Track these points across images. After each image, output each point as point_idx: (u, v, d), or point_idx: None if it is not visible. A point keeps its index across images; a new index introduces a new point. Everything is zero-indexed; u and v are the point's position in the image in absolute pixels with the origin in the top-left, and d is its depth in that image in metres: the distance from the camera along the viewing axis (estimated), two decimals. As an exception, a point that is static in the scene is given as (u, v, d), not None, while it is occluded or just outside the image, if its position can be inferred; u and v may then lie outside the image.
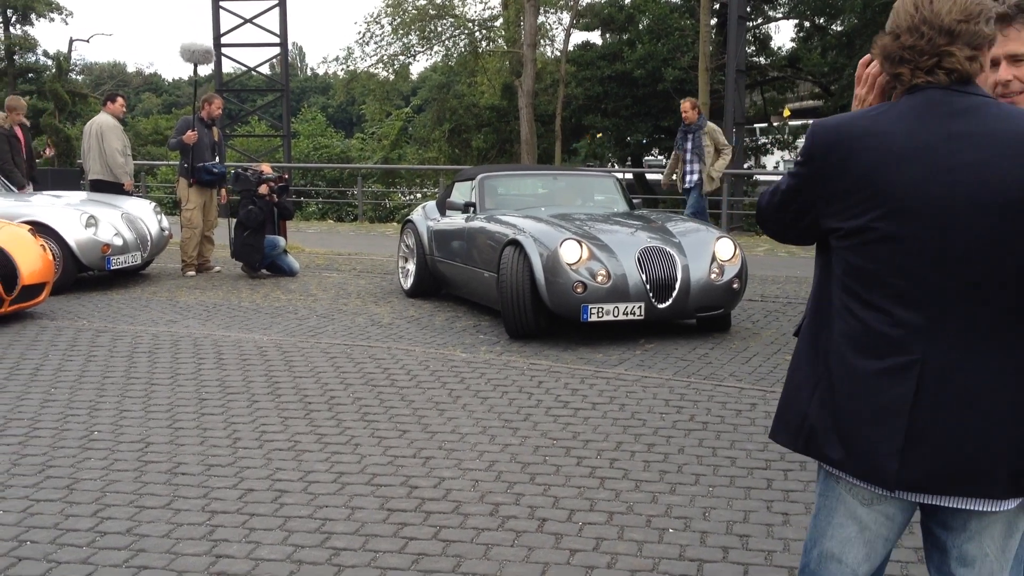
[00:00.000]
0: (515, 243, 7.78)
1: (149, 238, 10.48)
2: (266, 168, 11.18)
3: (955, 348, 1.98)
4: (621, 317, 7.45)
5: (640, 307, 7.47)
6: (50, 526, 4.06)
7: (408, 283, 10.04)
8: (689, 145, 12.24)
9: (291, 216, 11.55)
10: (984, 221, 1.93)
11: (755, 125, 33.46)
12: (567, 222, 8.23)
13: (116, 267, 10.02)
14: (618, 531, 4.01)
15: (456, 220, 9.29)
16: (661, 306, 7.53)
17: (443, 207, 9.75)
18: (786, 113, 36.43)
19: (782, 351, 7.32)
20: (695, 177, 12.12)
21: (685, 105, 12.24)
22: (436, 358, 6.96)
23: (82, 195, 11.32)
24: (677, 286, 7.55)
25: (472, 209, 9.19)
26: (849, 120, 2.07)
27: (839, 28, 29.22)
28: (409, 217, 10.36)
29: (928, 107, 2.00)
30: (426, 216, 10.02)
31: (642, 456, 4.93)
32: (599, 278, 7.41)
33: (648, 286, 7.50)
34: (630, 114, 30.31)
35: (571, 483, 4.55)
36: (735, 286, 7.77)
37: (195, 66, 11.70)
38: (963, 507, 2.05)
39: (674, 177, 12.45)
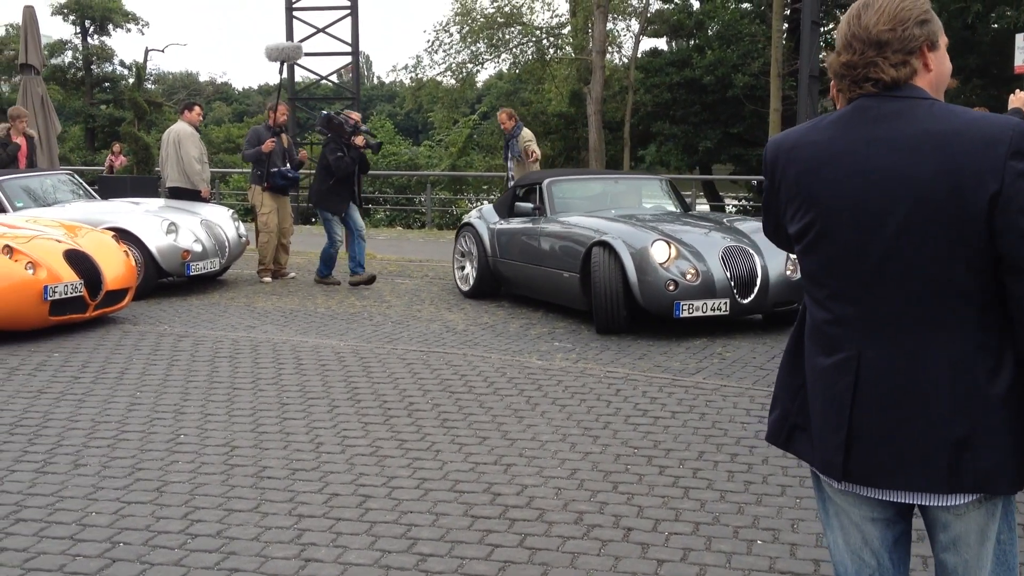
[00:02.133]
0: (604, 244, 8.11)
1: (227, 244, 10.66)
2: (355, 116, 11.17)
3: (889, 342, 2.04)
4: (709, 313, 7.89)
5: (726, 303, 7.91)
6: (142, 528, 4.14)
7: (467, 286, 10.30)
8: (508, 153, 13.15)
9: (367, 170, 11.60)
10: (895, 219, 1.99)
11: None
12: (645, 223, 8.61)
13: (195, 273, 10.20)
14: (705, 542, 3.97)
15: (522, 223, 9.60)
16: (744, 302, 7.97)
17: (504, 210, 10.11)
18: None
19: (863, 361, 7.20)
20: (511, 174, 12.76)
21: (501, 116, 13.08)
22: (512, 365, 6.97)
23: (161, 202, 11.56)
24: (758, 282, 8.01)
25: (538, 212, 9.51)
26: (787, 133, 2.22)
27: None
28: (467, 220, 10.60)
29: (855, 114, 2.09)
30: (485, 219, 10.31)
31: (725, 466, 4.88)
32: (688, 276, 7.83)
33: (732, 283, 7.94)
34: (699, 120, 30.14)
35: (655, 492, 4.52)
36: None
37: (282, 64, 11.81)
38: (906, 501, 2.10)
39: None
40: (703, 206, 26.33)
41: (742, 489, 4.56)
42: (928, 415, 2.01)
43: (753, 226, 8.67)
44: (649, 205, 10.14)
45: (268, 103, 11.62)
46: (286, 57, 11.64)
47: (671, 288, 7.77)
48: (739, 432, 5.41)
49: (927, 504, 2.08)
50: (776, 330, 8.34)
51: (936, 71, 2.11)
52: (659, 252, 7.88)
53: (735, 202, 32.97)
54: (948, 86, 2.21)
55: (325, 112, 11.05)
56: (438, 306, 9.72)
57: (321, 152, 10.87)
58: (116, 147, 21.62)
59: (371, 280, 10.88)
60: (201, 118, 11.94)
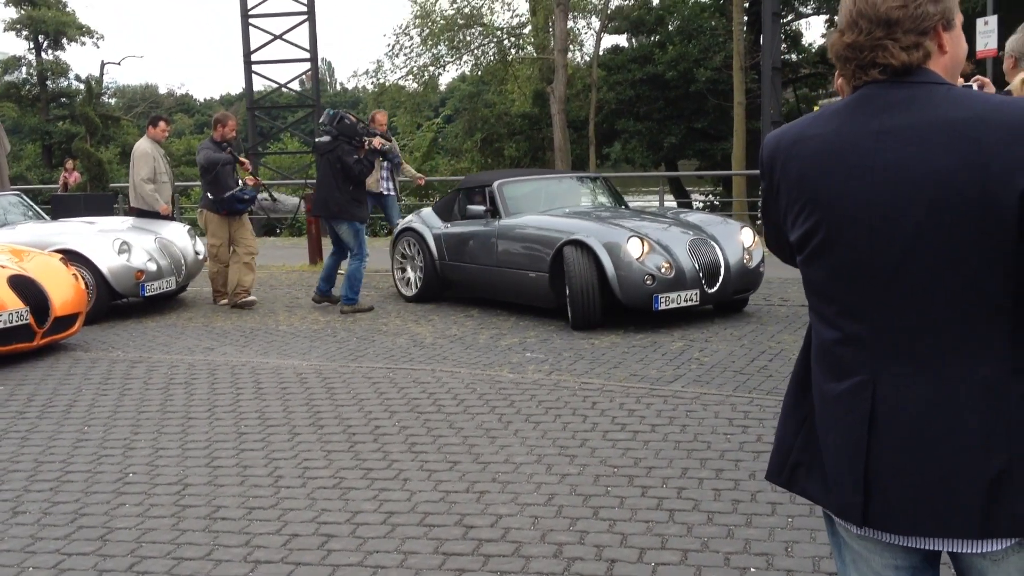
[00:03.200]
0: (576, 243, 8.29)
1: (184, 262, 10.26)
2: (381, 118, 10.76)
3: (909, 364, 1.77)
4: (683, 304, 8.24)
5: (696, 294, 8.28)
6: (83, 583, 3.79)
7: (411, 290, 10.37)
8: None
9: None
10: (910, 221, 1.73)
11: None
12: (609, 221, 8.86)
13: (151, 293, 9.81)
14: (695, 572, 3.68)
15: (473, 226, 9.66)
16: (711, 291, 8.34)
17: (447, 213, 10.23)
18: (816, 110, 35.91)
19: (846, 360, 6.94)
20: (389, 184, 12.37)
21: (380, 117, 12.52)
22: (483, 380, 6.66)
23: (115, 220, 11.15)
24: (722, 272, 8.37)
25: (490, 214, 9.55)
26: (787, 127, 1.95)
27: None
28: (406, 225, 10.54)
29: (861, 104, 1.83)
30: (426, 223, 10.33)
31: (711, 484, 4.59)
32: (663, 269, 8.12)
33: (700, 274, 8.27)
34: (663, 116, 30.00)
35: (638, 517, 4.22)
36: (761, 269, 8.78)
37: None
38: (935, 548, 1.81)
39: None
40: (670, 203, 26.15)
41: (730, 509, 4.28)
42: (956, 449, 1.73)
43: (700, 218, 9.37)
44: (588, 202, 10.34)
45: (215, 115, 10.89)
46: None
47: (649, 282, 8.06)
48: (723, 444, 5.13)
49: (958, 551, 1.79)
50: (753, 332, 8.09)
51: (951, 53, 1.83)
52: (634, 248, 8.14)
53: (701, 198, 32.86)
54: (963, 70, 1.93)
55: (335, 110, 9.87)
56: (404, 318, 9.39)
57: (328, 156, 9.56)
58: (69, 164, 21.05)
59: (369, 309, 9.87)
60: (166, 134, 11.28)
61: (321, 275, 10.25)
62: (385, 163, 11.41)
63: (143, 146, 10.80)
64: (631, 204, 11.01)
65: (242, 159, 10.69)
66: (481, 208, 9.63)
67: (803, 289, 1.99)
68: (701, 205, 30.83)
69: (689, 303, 8.24)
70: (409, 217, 10.90)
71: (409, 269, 10.43)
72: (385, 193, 12.29)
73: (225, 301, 10.44)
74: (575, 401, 6.04)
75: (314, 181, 10.60)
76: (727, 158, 25.43)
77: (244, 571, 3.85)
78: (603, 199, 10.38)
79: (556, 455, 5.08)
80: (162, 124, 11.04)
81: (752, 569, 3.69)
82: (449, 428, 5.60)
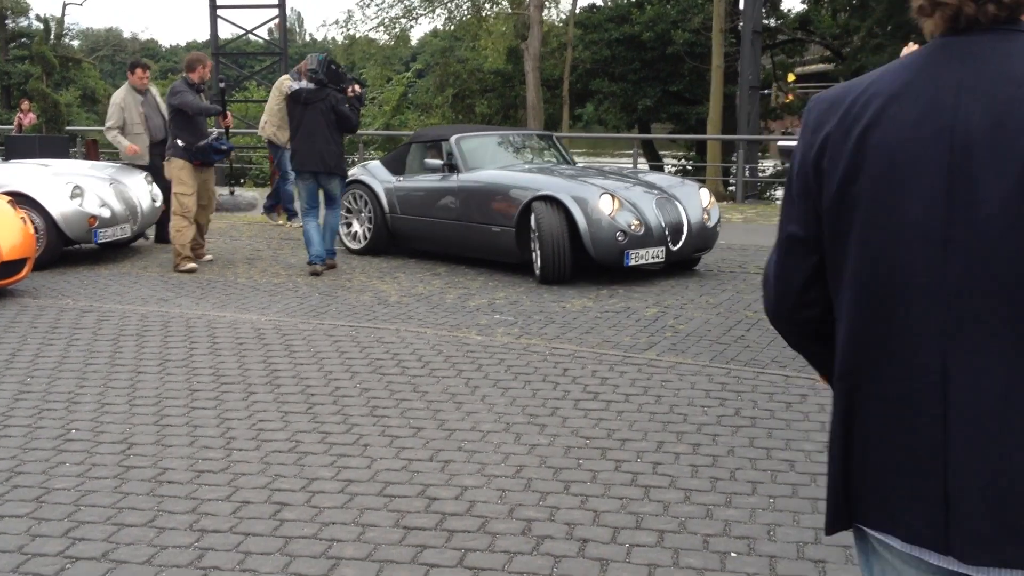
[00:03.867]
0: (547, 198, 8.38)
1: (140, 210, 9.85)
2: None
3: (990, 359, 1.44)
4: (651, 260, 8.43)
5: (662, 251, 8.47)
6: (13, 549, 3.51)
7: (357, 243, 10.24)
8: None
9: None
10: (997, 195, 1.42)
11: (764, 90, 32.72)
12: (576, 178, 8.97)
13: (104, 240, 9.41)
14: (672, 555, 3.45)
15: (430, 180, 9.56)
16: (675, 249, 8.53)
17: (399, 167, 10.08)
18: (791, 78, 35.61)
19: (824, 332, 6.73)
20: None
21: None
22: (449, 341, 6.38)
23: (69, 164, 10.72)
24: (685, 230, 8.58)
25: (449, 168, 9.44)
26: (847, 85, 1.60)
27: (852, -11, 28.35)
28: (353, 177, 10.26)
29: (943, 54, 1.51)
30: (376, 176, 10.19)
31: (688, 459, 4.36)
32: (633, 226, 8.28)
33: (666, 231, 8.46)
34: (638, 78, 29.61)
35: (611, 493, 3.99)
36: (718, 228, 9.09)
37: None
38: None
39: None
40: (643, 166, 25.88)
41: (708, 487, 4.05)
42: None
43: (659, 178, 9.73)
44: (543, 159, 10.24)
45: (190, 55, 9.86)
46: None
47: (620, 238, 8.22)
48: (700, 418, 4.90)
49: None
50: (729, 300, 7.87)
51: None
52: (605, 204, 8.28)
53: (674, 161, 32.60)
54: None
55: (322, 55, 9.15)
56: (369, 275, 9.07)
57: (319, 105, 8.80)
58: (25, 104, 20.36)
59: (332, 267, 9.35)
60: (145, 81, 10.42)
61: (317, 241, 9.06)
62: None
63: (118, 94, 10.27)
64: (603, 167, 11.21)
65: (228, 113, 10.28)
66: (439, 162, 9.52)
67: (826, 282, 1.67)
68: (674, 170, 30.58)
69: (656, 260, 8.47)
70: (354, 170, 10.65)
71: (355, 223, 10.27)
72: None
73: (192, 265, 9.25)
74: (545, 367, 5.79)
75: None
76: (702, 122, 25.17)
77: (189, 540, 3.57)
78: (557, 157, 10.35)
79: (525, 423, 4.83)
80: (139, 71, 10.21)
81: (733, 554, 3.46)
82: (413, 392, 5.34)
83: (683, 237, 8.56)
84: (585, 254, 8.30)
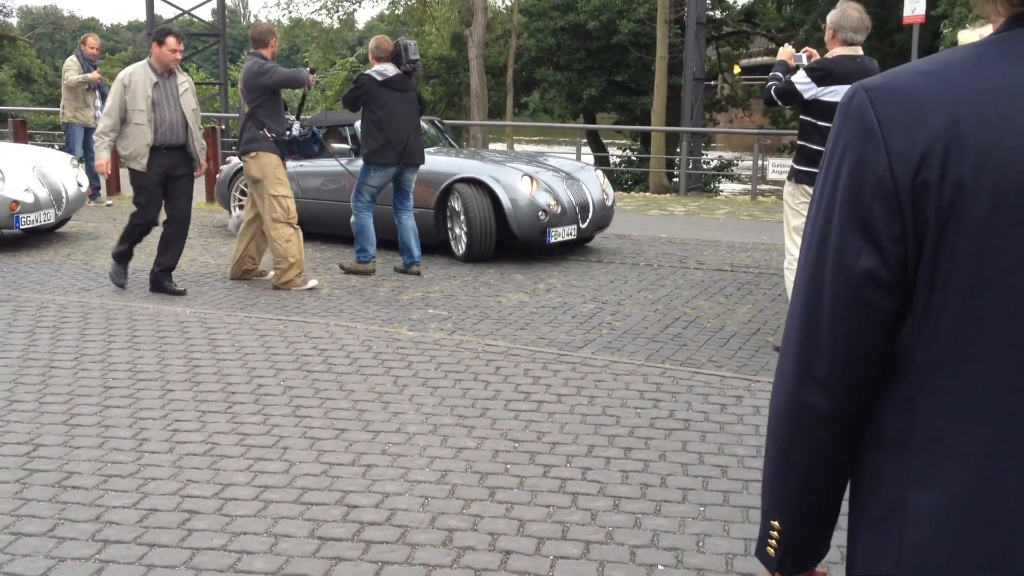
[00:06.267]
0: (470, 180, 8.84)
1: (64, 195, 9.51)
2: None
3: None
4: (566, 238, 9.02)
5: (575, 228, 9.09)
6: (-102, 563, 3.28)
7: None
8: (101, 91, 12.21)
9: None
10: None
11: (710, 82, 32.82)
12: (488, 159, 9.54)
13: (27, 226, 9.08)
14: (597, 568, 3.32)
15: (332, 163, 9.52)
16: (583, 227, 9.19)
17: (301, 150, 8.97)
18: (736, 70, 35.77)
19: (761, 331, 6.67)
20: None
21: (93, 41, 12.26)
22: (380, 337, 6.20)
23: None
24: (591, 209, 9.26)
25: (355, 153, 9.49)
26: (908, 77, 1.19)
27: (797, -18, 28.51)
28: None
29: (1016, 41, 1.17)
30: None
31: (619, 464, 4.24)
32: (551, 205, 8.84)
33: (577, 209, 9.09)
34: (583, 68, 29.55)
35: (538, 501, 3.85)
36: (614, 208, 9.90)
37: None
38: None
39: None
40: (588, 156, 25.83)
41: (638, 495, 3.93)
42: None
43: (560, 162, 10.17)
44: (443, 144, 10.66)
45: (262, 26, 8.08)
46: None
47: (543, 217, 8.77)
48: (632, 420, 4.78)
49: None
50: (667, 296, 7.78)
51: None
52: (525, 186, 8.82)
53: (619, 152, 32.60)
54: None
55: (414, 41, 8.56)
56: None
57: (408, 93, 8.29)
58: None
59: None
60: (178, 54, 8.55)
61: (408, 243, 8.42)
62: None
63: (127, 73, 7.43)
64: (544, 157, 11.22)
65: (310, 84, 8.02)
66: (347, 146, 9.75)
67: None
68: (618, 160, 30.56)
69: (570, 237, 9.06)
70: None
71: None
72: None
73: (314, 281, 7.92)
74: (477, 364, 5.64)
75: (221, 115, 9.81)
76: (647, 113, 25.14)
77: (90, 552, 3.37)
78: (447, 142, 10.78)
79: (453, 425, 4.67)
80: (171, 40, 7.36)
81: (660, 567, 3.34)
82: (339, 390, 5.16)
83: (589, 215, 9.23)
84: (505, 234, 8.83)
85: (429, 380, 5.34)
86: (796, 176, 5.92)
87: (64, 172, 9.65)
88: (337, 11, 30.90)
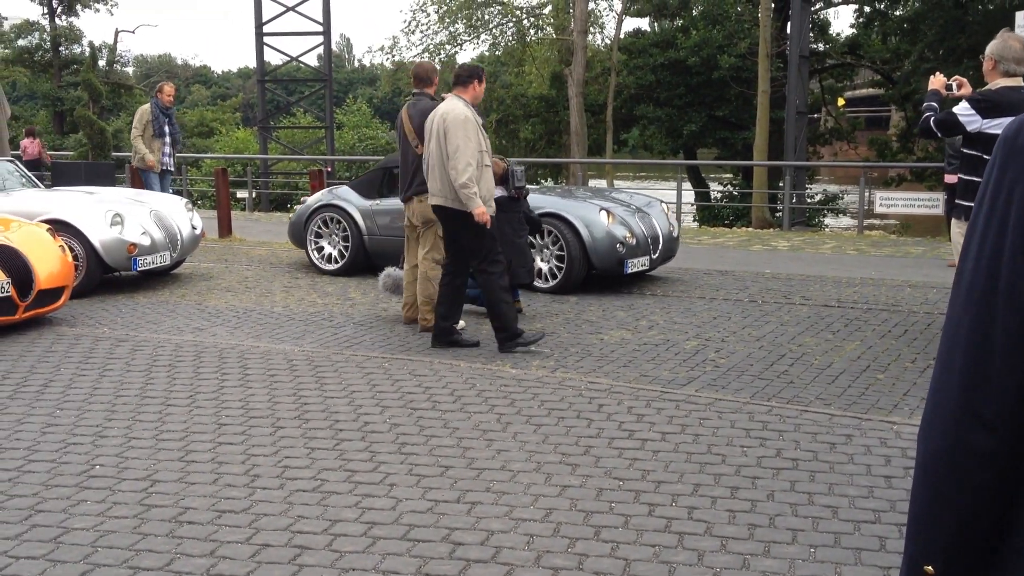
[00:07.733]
0: (553, 215, 9.18)
1: (179, 237, 9.87)
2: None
3: None
4: (640, 268, 9.48)
5: (647, 259, 9.54)
6: (26, 593, 3.42)
7: (332, 264, 10.60)
8: (168, 128, 12.64)
9: None
10: None
11: (813, 115, 32.37)
12: (571, 196, 9.97)
13: (144, 268, 9.43)
14: (705, 610, 3.28)
15: (397, 201, 9.42)
16: (654, 257, 9.66)
17: (373, 191, 10.30)
18: (840, 102, 35.20)
19: (871, 368, 6.52)
20: (171, 160, 12.63)
21: (169, 89, 12.58)
22: (483, 374, 6.25)
23: (112, 191, 10.77)
24: (661, 240, 9.73)
25: None
26: None
27: (901, 13, 28.01)
28: (325, 202, 10.63)
29: None
30: (349, 200, 10.46)
31: (725, 504, 4.18)
32: (626, 237, 9.23)
33: (649, 241, 9.54)
34: (683, 103, 29.43)
35: (643, 540, 3.82)
36: (679, 240, 10.51)
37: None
38: None
39: (150, 157, 12.44)
40: (688, 191, 25.66)
41: (746, 535, 3.87)
42: None
43: (627, 196, 10.53)
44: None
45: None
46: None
47: (620, 249, 9.17)
48: (739, 459, 4.71)
49: None
50: (772, 333, 7.66)
51: None
52: (603, 219, 9.20)
53: (720, 187, 32.33)
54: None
55: (523, 167, 8.51)
56: (406, 303, 8.95)
57: (516, 216, 8.14)
58: (30, 134, 20.01)
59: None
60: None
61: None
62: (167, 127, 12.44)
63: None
64: (613, 192, 11.69)
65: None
66: None
67: None
68: (720, 196, 30.30)
69: (644, 267, 9.53)
70: (318, 195, 11.02)
71: (327, 245, 10.62)
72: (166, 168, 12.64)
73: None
74: (580, 402, 5.63)
75: (326, 158, 10.14)
76: (748, 147, 24.90)
77: (205, 587, 3.46)
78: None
79: (557, 463, 4.68)
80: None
81: (770, 609, 3.28)
82: (443, 427, 5.21)
83: (660, 247, 9.69)
84: (590, 264, 9.25)
85: (532, 418, 5.36)
86: (966, 213, 5.77)
87: (179, 215, 10.01)
88: (439, 54, 31.47)
